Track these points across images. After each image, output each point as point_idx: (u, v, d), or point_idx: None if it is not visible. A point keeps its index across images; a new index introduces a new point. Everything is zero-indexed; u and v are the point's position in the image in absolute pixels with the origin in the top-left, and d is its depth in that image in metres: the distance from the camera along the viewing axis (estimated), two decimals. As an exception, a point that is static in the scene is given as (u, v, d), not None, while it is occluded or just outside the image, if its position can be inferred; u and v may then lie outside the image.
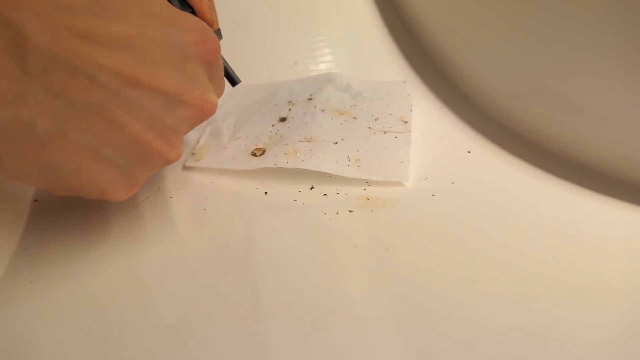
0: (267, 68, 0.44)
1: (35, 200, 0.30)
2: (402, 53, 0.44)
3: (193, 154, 0.34)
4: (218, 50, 0.25)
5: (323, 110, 0.36)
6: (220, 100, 0.40)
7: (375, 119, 0.35)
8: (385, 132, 0.34)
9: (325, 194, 0.31)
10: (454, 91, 0.40)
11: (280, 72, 0.43)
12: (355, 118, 0.36)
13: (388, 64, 0.44)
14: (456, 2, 0.40)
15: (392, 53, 0.44)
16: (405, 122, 0.35)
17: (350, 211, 0.29)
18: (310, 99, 0.38)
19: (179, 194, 0.31)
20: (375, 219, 0.28)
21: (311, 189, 0.31)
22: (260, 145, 0.34)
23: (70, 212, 0.29)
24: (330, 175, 0.31)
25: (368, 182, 0.31)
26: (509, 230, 0.27)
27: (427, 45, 0.44)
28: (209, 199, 0.31)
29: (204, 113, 0.24)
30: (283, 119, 0.36)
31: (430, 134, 0.36)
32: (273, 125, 0.35)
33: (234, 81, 0.34)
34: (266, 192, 0.31)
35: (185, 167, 0.33)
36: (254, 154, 0.33)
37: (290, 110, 0.37)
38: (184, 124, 0.24)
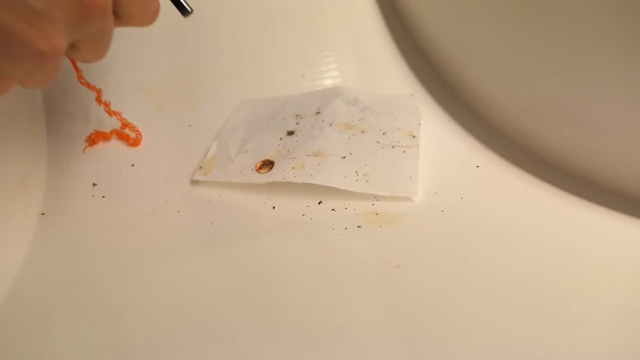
0: (275, 81, 0.44)
1: (42, 214, 0.30)
2: (409, 67, 0.44)
3: (200, 167, 0.34)
4: None
5: (331, 124, 0.36)
6: (227, 114, 0.40)
7: (384, 133, 0.35)
8: (393, 147, 0.34)
9: (333, 209, 0.30)
10: (462, 105, 0.40)
11: (288, 85, 0.43)
12: (363, 132, 0.35)
13: (396, 77, 0.43)
14: (465, 16, 0.40)
15: (400, 66, 0.44)
16: (414, 137, 0.35)
17: (358, 227, 0.28)
18: (318, 113, 0.37)
19: (186, 208, 0.31)
20: (385, 235, 0.28)
21: (319, 203, 0.31)
22: (267, 158, 0.34)
23: (77, 226, 0.29)
24: (338, 190, 0.31)
25: (376, 197, 0.31)
26: (519, 247, 0.26)
27: (435, 59, 0.44)
28: (216, 214, 0.30)
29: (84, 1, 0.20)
30: (291, 133, 0.36)
31: (439, 148, 0.36)
32: (281, 139, 0.35)
33: (184, 9, 0.28)
34: (274, 207, 0.31)
35: (192, 181, 0.33)
36: (261, 168, 0.33)
37: (298, 124, 0.37)
38: (58, 9, 0.20)
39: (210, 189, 0.33)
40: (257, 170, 0.33)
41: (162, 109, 0.40)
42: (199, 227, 0.29)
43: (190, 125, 0.39)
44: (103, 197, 0.32)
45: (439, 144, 0.36)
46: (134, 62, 0.42)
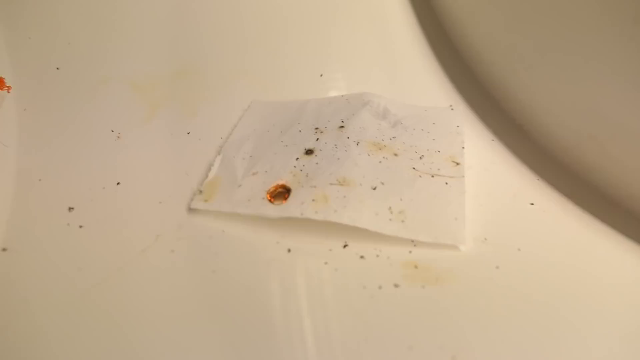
0: (288, 81, 0.38)
1: (4, 250, 0.25)
2: (445, 71, 0.38)
3: (200, 191, 0.28)
4: None
5: (358, 143, 0.30)
6: (233, 119, 0.34)
7: (421, 157, 0.30)
8: (433, 176, 0.28)
9: (362, 256, 0.25)
10: (508, 122, 0.34)
11: (303, 86, 0.37)
12: (396, 155, 0.30)
13: (429, 83, 0.37)
14: (514, 14, 0.34)
15: (434, 71, 0.38)
16: (457, 164, 0.29)
17: (395, 286, 0.23)
18: (342, 127, 0.32)
19: (182, 247, 0.25)
20: (430, 301, 0.22)
21: (344, 247, 0.25)
22: (282, 183, 0.28)
23: (46, 268, 0.24)
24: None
25: (414, 242, 0.25)
26: (604, 322, 0.21)
27: (476, 65, 0.38)
28: (219, 256, 0.25)
29: None
30: (309, 152, 0.30)
31: (483, 175, 0.30)
32: (297, 159, 0.29)
33: None
34: (289, 250, 0.25)
35: (190, 209, 0.28)
36: (274, 197, 0.27)
37: (318, 140, 0.31)
38: None
39: (212, 221, 0.27)
40: (269, 200, 0.27)
41: (155, 111, 0.34)
42: (197, 276, 0.24)
43: (188, 133, 0.33)
44: (80, 227, 0.26)
45: (482, 169, 0.31)
46: (125, 52, 0.36)
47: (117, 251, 0.25)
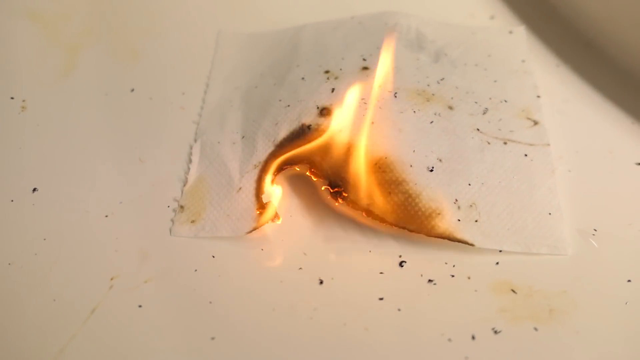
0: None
1: None
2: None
3: (181, 206, 0.18)
4: None
5: (396, 95, 0.20)
6: (200, 65, 0.23)
7: (484, 112, 0.20)
8: (506, 142, 0.20)
9: (431, 280, 0.17)
10: (573, 37, 0.25)
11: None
12: (451, 108, 0.20)
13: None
14: None
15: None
16: (535, 123, 0.20)
17: (495, 332, 0.15)
18: (365, 69, 0.21)
19: (153, 296, 0.16)
20: (554, 355, 0.15)
21: (401, 265, 0.17)
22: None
23: None
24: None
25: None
26: None
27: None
28: (215, 308, 0.16)
29: None
30: (325, 112, 0.20)
31: (558, 121, 0.22)
32: (309, 128, 0.20)
33: None
34: (321, 282, 0.17)
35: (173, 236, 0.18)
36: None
37: (334, 91, 0.21)
38: None
39: (191, 240, 0.18)
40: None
41: (75, 58, 0.23)
42: (189, 348, 0.15)
43: (132, 90, 0.22)
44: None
45: (554, 112, 0.22)
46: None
47: (47, 323, 0.15)
